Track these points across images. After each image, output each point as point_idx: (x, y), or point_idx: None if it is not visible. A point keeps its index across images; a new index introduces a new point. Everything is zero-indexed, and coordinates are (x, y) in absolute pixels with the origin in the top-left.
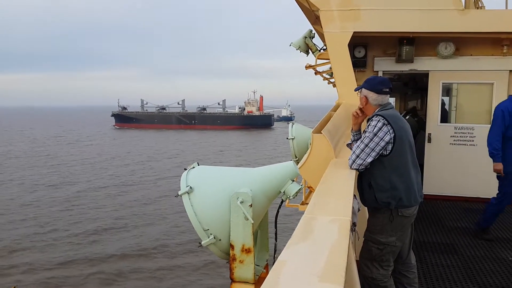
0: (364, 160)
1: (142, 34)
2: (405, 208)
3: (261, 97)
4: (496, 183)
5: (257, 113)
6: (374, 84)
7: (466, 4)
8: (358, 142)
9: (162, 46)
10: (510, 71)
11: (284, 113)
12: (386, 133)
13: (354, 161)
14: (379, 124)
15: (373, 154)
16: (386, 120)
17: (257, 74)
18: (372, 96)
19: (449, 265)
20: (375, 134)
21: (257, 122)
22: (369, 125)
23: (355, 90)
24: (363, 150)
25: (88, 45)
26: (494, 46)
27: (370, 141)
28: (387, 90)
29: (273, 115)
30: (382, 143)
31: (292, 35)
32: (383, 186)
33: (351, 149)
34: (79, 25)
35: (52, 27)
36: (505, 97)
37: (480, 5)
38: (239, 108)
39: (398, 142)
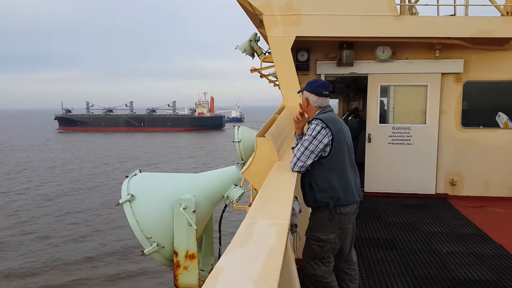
0: (305, 162)
1: (88, 34)
2: (343, 207)
3: (212, 99)
4: (430, 180)
5: (208, 115)
6: (315, 87)
7: (401, 11)
8: (299, 145)
9: (108, 46)
10: (442, 73)
11: (234, 114)
12: (325, 136)
13: (295, 164)
14: (318, 128)
15: (313, 156)
16: (325, 123)
17: (207, 75)
18: (312, 98)
19: (389, 260)
20: (314, 137)
21: (208, 123)
22: (308, 128)
23: (298, 92)
24: (303, 153)
25: (29, 46)
26: (428, 50)
27: (309, 144)
28: (327, 93)
29: (224, 116)
30: (321, 146)
31: (241, 36)
32: (323, 187)
33: None
34: (19, 25)
35: None
36: (438, 99)
37: (414, 11)
38: (190, 109)
39: (336, 144)
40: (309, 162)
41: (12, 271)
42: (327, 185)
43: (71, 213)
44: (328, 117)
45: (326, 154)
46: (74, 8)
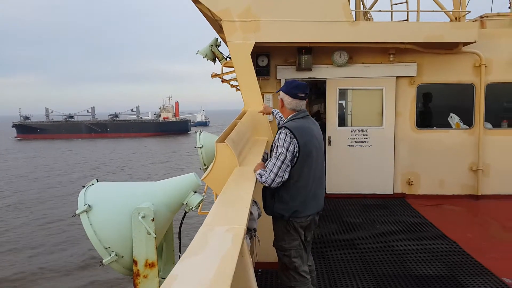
0: (283, 177)
1: (44, 35)
2: (298, 218)
3: (177, 103)
4: (388, 180)
5: (173, 119)
6: (290, 88)
7: (357, 17)
8: (273, 159)
9: (66, 49)
10: (397, 77)
11: (199, 118)
12: (294, 146)
13: (273, 180)
14: (288, 138)
15: (288, 169)
16: (293, 134)
17: (170, 79)
18: (287, 99)
19: (349, 259)
20: (287, 149)
21: (174, 128)
22: (278, 138)
23: (276, 92)
24: (280, 168)
25: None
26: (382, 55)
27: (285, 158)
28: (303, 95)
29: (190, 120)
30: (291, 156)
31: (204, 39)
32: (284, 198)
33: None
34: None
35: None
36: (393, 101)
37: (369, 17)
38: (154, 114)
39: (302, 156)
40: (286, 176)
41: None
42: (287, 196)
43: (51, 222)
44: (297, 126)
45: (292, 165)
46: (28, 7)
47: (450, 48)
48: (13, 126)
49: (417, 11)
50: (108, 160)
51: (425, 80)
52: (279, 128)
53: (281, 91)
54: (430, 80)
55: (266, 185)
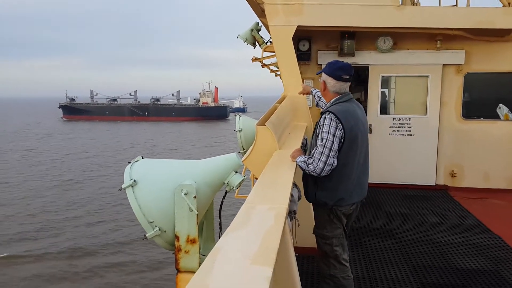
0: (332, 164)
1: (88, 19)
2: (342, 207)
3: (216, 88)
4: (430, 171)
5: (213, 105)
6: (334, 69)
7: (403, 1)
8: (320, 147)
9: (110, 32)
10: (443, 64)
11: (237, 104)
12: (340, 131)
13: (323, 169)
14: (333, 124)
15: (336, 154)
16: (338, 118)
17: (208, 65)
18: (330, 82)
19: (387, 248)
20: (334, 135)
21: (213, 113)
22: (323, 123)
23: (317, 74)
24: (328, 156)
25: (24, 31)
26: (429, 41)
27: (332, 144)
28: (347, 77)
29: (228, 106)
30: (338, 141)
31: (244, 25)
32: (327, 185)
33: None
34: (14, 10)
35: None
36: (439, 90)
37: (416, 2)
38: (194, 99)
39: (347, 142)
40: (336, 162)
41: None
42: (330, 184)
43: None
44: (343, 110)
45: None
46: None
47: (501, 35)
48: (59, 107)
49: None
50: (158, 143)
51: (473, 68)
52: (322, 113)
53: (323, 73)
54: (479, 68)
55: (315, 174)
